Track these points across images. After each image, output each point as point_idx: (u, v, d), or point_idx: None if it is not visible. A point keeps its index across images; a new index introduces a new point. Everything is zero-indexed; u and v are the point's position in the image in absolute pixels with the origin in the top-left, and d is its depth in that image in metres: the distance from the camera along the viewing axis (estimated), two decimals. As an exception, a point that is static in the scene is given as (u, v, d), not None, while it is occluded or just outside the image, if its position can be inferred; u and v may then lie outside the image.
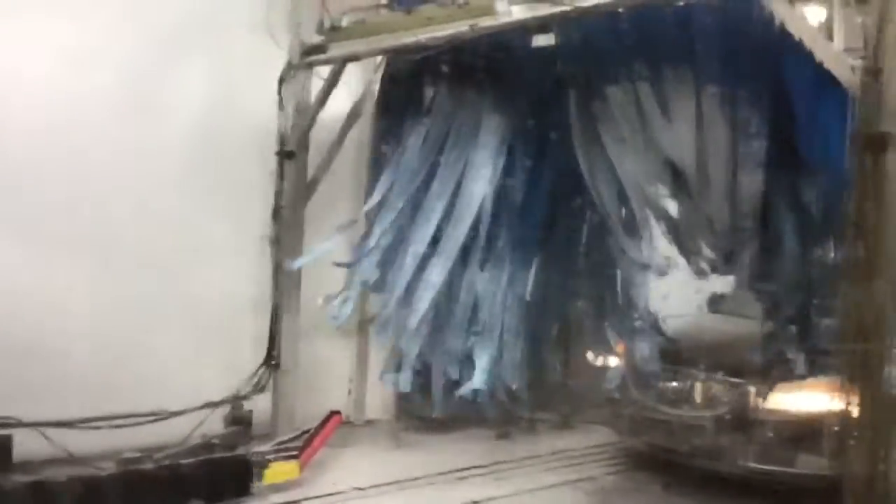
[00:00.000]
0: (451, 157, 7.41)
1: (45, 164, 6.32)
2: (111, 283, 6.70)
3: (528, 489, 6.80)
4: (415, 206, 7.38)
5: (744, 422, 6.55)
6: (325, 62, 6.98)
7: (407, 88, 7.68)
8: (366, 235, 7.42)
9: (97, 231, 6.63)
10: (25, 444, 5.97)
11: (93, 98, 6.51)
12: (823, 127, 5.87)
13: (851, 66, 4.60)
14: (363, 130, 8.03)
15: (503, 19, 5.45)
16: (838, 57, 4.74)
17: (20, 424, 5.98)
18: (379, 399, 8.30)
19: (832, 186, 6.12)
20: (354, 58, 7.06)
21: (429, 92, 7.64)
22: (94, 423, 6.33)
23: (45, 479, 5.65)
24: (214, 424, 6.89)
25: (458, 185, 7.36)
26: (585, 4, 5.21)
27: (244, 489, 6.24)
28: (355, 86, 7.74)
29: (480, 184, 7.32)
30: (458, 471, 7.05)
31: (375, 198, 7.37)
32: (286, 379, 7.26)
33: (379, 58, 7.55)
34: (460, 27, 5.75)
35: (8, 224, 6.20)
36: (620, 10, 5.21)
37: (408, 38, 6.17)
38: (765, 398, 6.54)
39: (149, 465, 6.00)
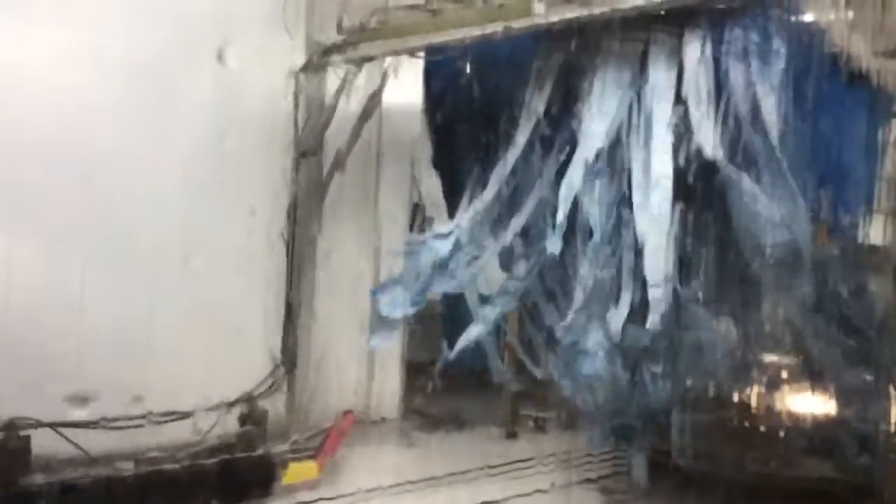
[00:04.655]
0: None
1: (54, 164, 6.12)
2: (124, 284, 6.54)
3: (542, 488, 6.89)
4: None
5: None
6: (346, 62, 6.92)
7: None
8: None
9: (109, 232, 6.45)
10: (43, 445, 5.86)
11: (101, 97, 6.34)
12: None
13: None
14: (370, 129, 8.05)
15: (539, 20, 5.45)
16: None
17: (38, 425, 5.88)
18: (386, 398, 8.28)
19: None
20: (377, 57, 7.01)
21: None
22: (111, 424, 6.26)
23: (69, 480, 5.61)
24: (228, 424, 6.85)
25: None
26: (624, 6, 5.24)
27: (266, 489, 6.24)
28: (365, 85, 7.76)
29: None
30: (473, 470, 7.07)
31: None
32: (301, 378, 7.22)
33: (388, 58, 7.59)
34: (492, 28, 5.74)
35: (19, 225, 6.04)
36: (662, 12, 5.21)
37: (436, 39, 6.13)
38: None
39: (172, 466, 5.97)
